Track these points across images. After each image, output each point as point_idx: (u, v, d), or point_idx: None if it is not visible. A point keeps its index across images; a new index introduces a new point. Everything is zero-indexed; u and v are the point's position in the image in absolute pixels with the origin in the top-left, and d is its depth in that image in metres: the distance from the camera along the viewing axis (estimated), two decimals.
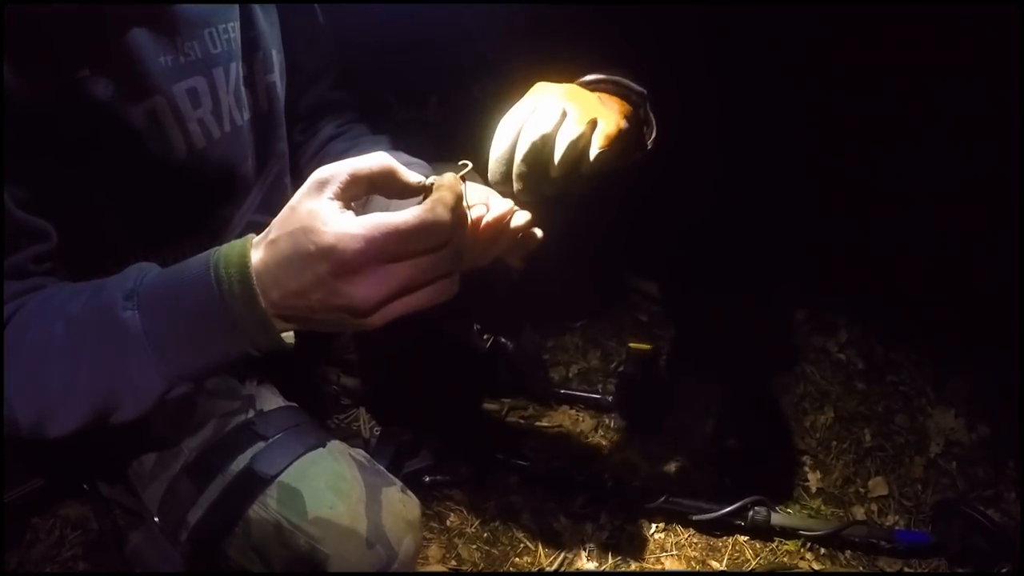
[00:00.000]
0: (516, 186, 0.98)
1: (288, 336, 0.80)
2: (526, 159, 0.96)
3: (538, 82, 1.04)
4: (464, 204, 0.77)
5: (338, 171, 0.75)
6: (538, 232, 1.03)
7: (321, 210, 0.72)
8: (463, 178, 0.79)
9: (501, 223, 0.94)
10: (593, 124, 0.97)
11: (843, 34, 2.12)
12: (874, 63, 2.14)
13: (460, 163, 0.83)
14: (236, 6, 1.06)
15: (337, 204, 0.73)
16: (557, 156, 0.95)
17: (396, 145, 1.30)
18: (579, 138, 0.95)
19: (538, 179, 0.98)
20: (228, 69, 1.06)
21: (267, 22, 1.14)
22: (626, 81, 1.12)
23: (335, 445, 1.18)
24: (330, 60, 1.34)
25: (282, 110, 1.22)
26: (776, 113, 2.32)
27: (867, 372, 2.20)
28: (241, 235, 0.79)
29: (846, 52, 2.15)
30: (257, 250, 0.75)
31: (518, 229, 0.97)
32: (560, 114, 0.95)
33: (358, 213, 0.74)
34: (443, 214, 0.72)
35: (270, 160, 1.21)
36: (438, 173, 0.79)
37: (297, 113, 1.31)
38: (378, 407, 1.91)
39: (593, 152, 0.96)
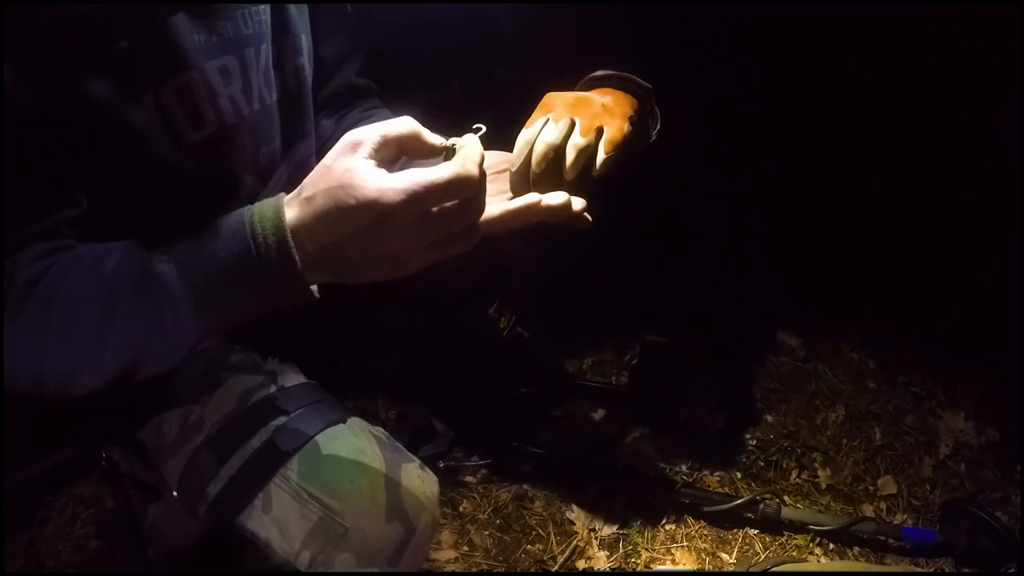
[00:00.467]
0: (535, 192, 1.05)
1: (315, 289, 0.84)
2: (539, 167, 1.04)
3: (549, 92, 1.14)
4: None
5: (370, 134, 0.80)
6: (588, 217, 1.08)
7: (358, 168, 0.77)
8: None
9: (555, 210, 1.00)
10: (599, 132, 1.06)
11: (842, 34, 2.13)
12: (876, 66, 2.15)
13: (474, 127, 0.89)
14: None
15: (372, 162, 0.78)
16: (568, 163, 1.04)
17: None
18: (586, 147, 1.04)
19: (553, 185, 1.05)
20: (259, 50, 1.08)
21: (296, 8, 1.16)
22: (633, 77, 1.19)
23: (355, 421, 1.18)
24: (356, 46, 1.36)
25: (310, 93, 1.24)
26: (787, 118, 2.33)
27: (878, 372, 2.20)
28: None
29: (847, 53, 2.16)
30: (291, 207, 0.80)
31: (573, 214, 1.03)
32: (568, 125, 1.05)
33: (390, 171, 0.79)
34: (473, 169, 0.78)
35: (297, 141, 1.22)
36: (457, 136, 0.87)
37: (324, 98, 1.33)
38: (396, 391, 1.92)
39: (600, 158, 1.06)
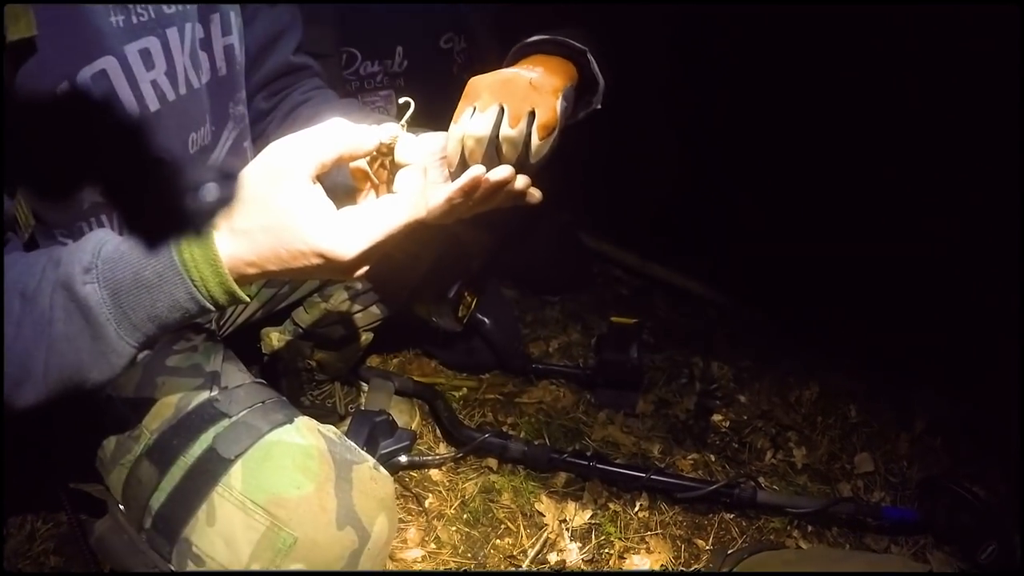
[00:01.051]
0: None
1: (247, 290, 0.84)
2: (473, 162, 0.99)
3: (471, 78, 1.05)
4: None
5: (304, 159, 0.80)
6: (537, 193, 1.06)
7: (304, 208, 0.79)
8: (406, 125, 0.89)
9: (501, 184, 0.99)
10: (531, 116, 0.99)
11: (842, 34, 2.10)
12: (875, 67, 2.13)
13: (402, 101, 0.90)
14: None
15: (316, 197, 0.80)
16: (503, 156, 0.99)
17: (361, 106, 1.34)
18: (518, 136, 0.98)
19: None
20: (183, 30, 1.03)
21: None
22: (568, 40, 1.12)
23: (302, 421, 1.13)
24: (291, 22, 1.30)
25: (242, 74, 1.19)
26: (764, 105, 2.31)
27: (852, 347, 2.18)
28: None
29: (846, 53, 2.14)
30: (224, 241, 0.80)
31: (519, 190, 1.03)
32: (497, 113, 0.98)
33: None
34: (423, 208, 0.84)
35: (228, 124, 1.16)
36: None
37: (259, 79, 1.28)
38: (355, 383, 1.87)
39: (534, 145, 1.00)
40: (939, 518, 1.66)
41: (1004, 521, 1.62)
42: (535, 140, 1.00)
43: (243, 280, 0.82)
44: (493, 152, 0.99)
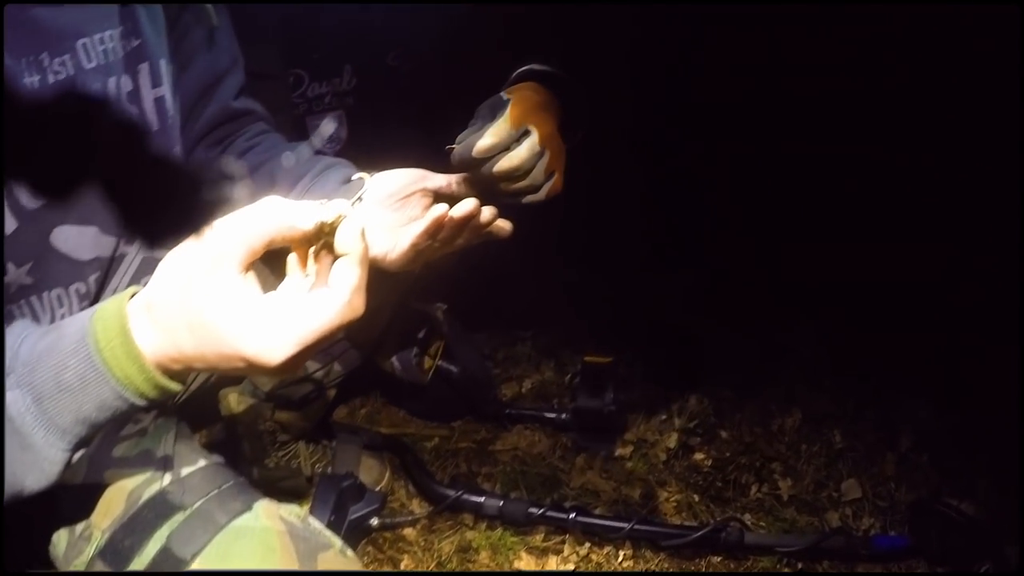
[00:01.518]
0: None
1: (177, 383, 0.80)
2: (499, 178, 1.10)
3: (522, 92, 1.16)
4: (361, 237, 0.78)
5: (232, 246, 0.74)
6: (506, 225, 1.08)
7: (227, 307, 0.73)
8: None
9: (467, 219, 0.98)
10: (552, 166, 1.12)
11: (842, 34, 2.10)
12: (875, 66, 2.12)
13: (355, 177, 0.92)
14: (115, 10, 0.96)
15: (242, 291, 0.74)
16: (526, 186, 1.12)
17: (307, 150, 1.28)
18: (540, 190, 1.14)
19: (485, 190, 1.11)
20: (106, 85, 0.97)
21: (153, 28, 1.04)
22: (565, 76, 1.23)
23: (262, 507, 1.08)
24: (231, 65, 1.24)
25: (176, 127, 1.13)
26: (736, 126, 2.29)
27: (833, 367, 2.17)
28: (137, 271, 0.86)
29: (844, 53, 2.13)
30: (142, 332, 0.76)
31: (485, 223, 1.02)
32: (537, 155, 1.10)
33: None
34: (359, 306, 0.76)
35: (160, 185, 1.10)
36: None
37: (198, 128, 1.22)
38: (319, 440, 1.82)
39: (543, 195, 1.14)
40: (931, 541, 1.65)
41: (996, 539, 1.61)
42: (545, 193, 1.10)
43: (171, 375, 0.78)
44: (514, 179, 1.10)
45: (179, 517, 1.02)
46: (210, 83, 1.21)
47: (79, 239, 0.95)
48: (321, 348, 0.78)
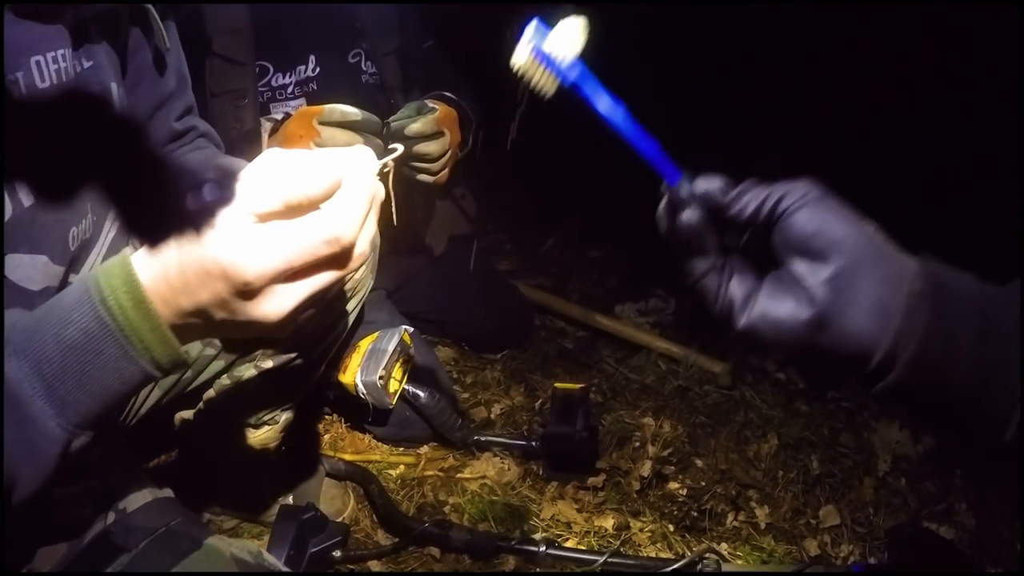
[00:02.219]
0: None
1: (189, 348, 0.79)
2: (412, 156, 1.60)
3: (443, 108, 1.66)
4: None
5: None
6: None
7: (221, 226, 0.68)
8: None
9: None
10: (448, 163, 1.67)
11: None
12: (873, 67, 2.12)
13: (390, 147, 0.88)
14: (65, 30, 0.91)
15: (243, 219, 0.70)
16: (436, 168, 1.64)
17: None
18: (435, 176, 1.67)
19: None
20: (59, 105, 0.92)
21: (103, 50, 0.99)
22: (464, 105, 1.75)
23: (213, 545, 1.04)
24: (177, 87, 1.21)
25: (130, 149, 1.08)
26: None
27: (808, 391, 2.15)
28: None
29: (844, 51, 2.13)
30: (143, 262, 0.72)
31: None
32: (444, 150, 1.63)
33: None
34: (348, 229, 0.71)
35: (111, 212, 1.05)
36: None
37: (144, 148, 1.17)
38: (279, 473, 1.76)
39: (433, 180, 1.68)
40: (911, 567, 1.62)
41: (976, 562, 1.65)
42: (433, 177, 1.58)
43: (172, 327, 0.73)
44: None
45: (124, 560, 0.97)
46: (156, 105, 1.17)
47: (29, 269, 0.90)
48: (314, 290, 0.72)
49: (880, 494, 1.89)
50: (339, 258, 0.72)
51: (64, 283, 0.97)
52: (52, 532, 0.99)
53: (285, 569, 1.09)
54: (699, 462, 1.93)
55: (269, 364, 1.46)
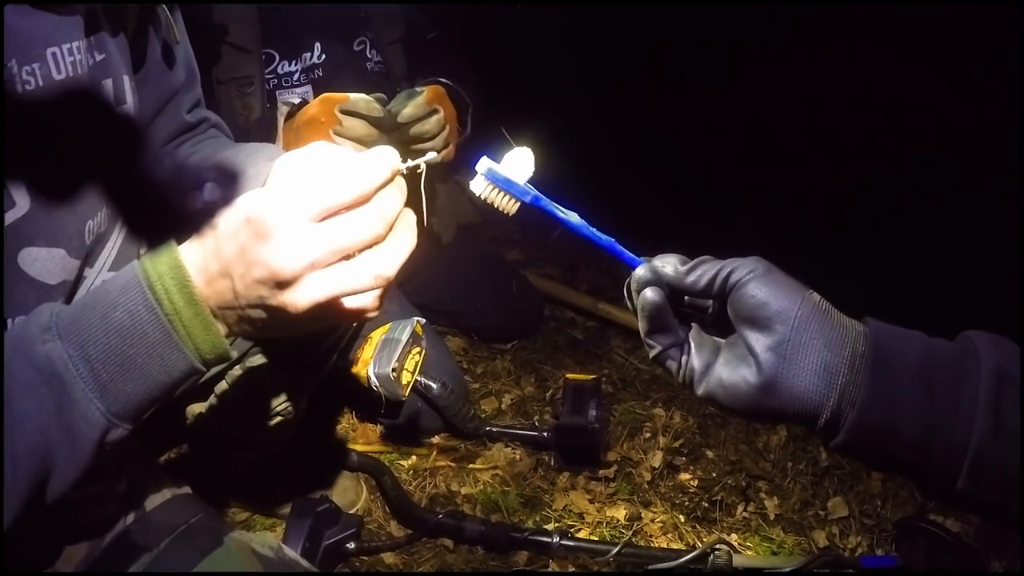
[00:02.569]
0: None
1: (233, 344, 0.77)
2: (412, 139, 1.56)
3: (432, 87, 1.61)
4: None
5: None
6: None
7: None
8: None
9: None
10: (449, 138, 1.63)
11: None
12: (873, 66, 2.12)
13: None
14: (79, 21, 0.91)
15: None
16: (433, 145, 1.59)
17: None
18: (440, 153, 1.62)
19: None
20: (74, 97, 0.92)
21: (115, 44, 0.99)
22: (461, 92, 1.76)
23: (234, 541, 1.05)
24: (187, 81, 1.21)
25: (144, 143, 1.09)
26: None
27: None
28: None
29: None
30: (187, 251, 0.75)
31: None
32: (441, 126, 1.59)
33: None
34: (367, 171, 0.73)
35: (127, 202, 1.06)
36: None
37: (158, 143, 1.19)
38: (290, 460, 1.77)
39: (441, 157, 1.63)
40: (918, 560, 1.62)
41: (983, 556, 1.62)
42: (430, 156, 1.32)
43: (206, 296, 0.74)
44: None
45: (146, 559, 0.98)
46: (166, 98, 1.17)
47: (47, 263, 0.91)
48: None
49: (887, 486, 1.89)
50: (356, 194, 0.73)
51: (80, 276, 0.98)
52: (73, 532, 1.00)
53: (305, 563, 1.10)
54: (709, 453, 1.94)
55: None
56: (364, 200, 0.73)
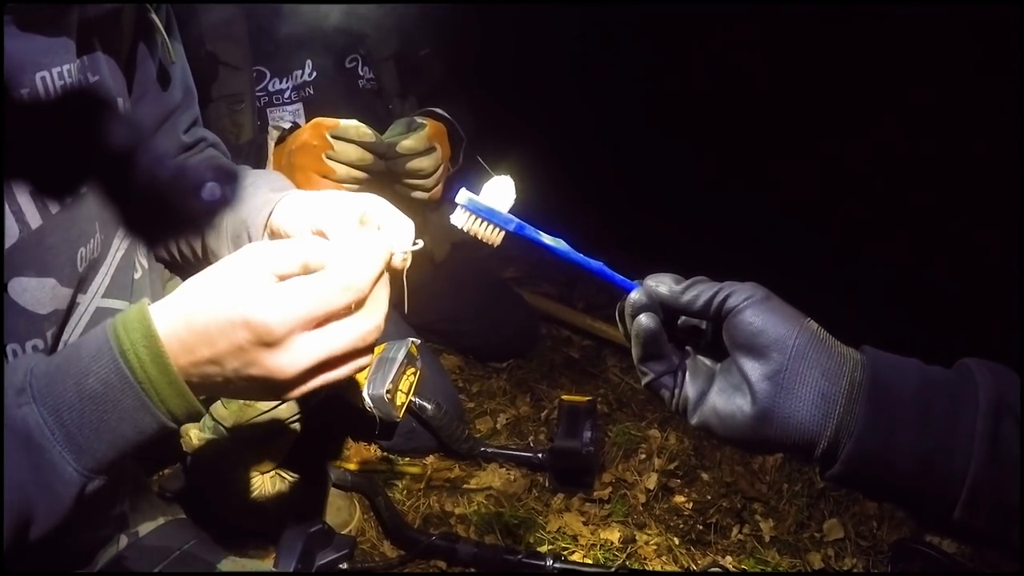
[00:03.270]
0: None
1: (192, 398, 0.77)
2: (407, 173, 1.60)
3: (432, 123, 1.66)
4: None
5: (268, 256, 0.75)
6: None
7: (243, 281, 0.74)
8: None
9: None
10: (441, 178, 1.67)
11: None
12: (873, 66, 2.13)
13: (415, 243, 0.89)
14: (72, 44, 0.91)
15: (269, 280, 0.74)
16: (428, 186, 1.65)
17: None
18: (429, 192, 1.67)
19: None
20: (64, 119, 0.92)
21: (108, 65, 1.00)
22: (453, 121, 1.77)
23: (227, 567, 1.05)
24: (184, 100, 1.21)
25: (135, 163, 1.08)
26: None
27: None
28: (92, 320, 0.82)
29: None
30: (161, 313, 0.74)
31: None
32: (437, 165, 1.63)
33: None
34: (361, 279, 0.75)
35: (119, 230, 1.05)
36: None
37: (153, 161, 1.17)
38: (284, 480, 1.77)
39: (428, 197, 1.67)
40: None
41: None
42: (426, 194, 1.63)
43: (181, 372, 0.74)
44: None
45: None
46: (162, 118, 1.17)
47: (37, 292, 0.90)
48: (331, 348, 0.74)
49: (883, 508, 1.89)
50: (356, 318, 0.75)
51: (72, 304, 0.97)
52: (66, 557, 1.00)
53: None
54: (705, 475, 1.94)
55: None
56: (361, 302, 0.76)
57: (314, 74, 1.89)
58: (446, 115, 1.76)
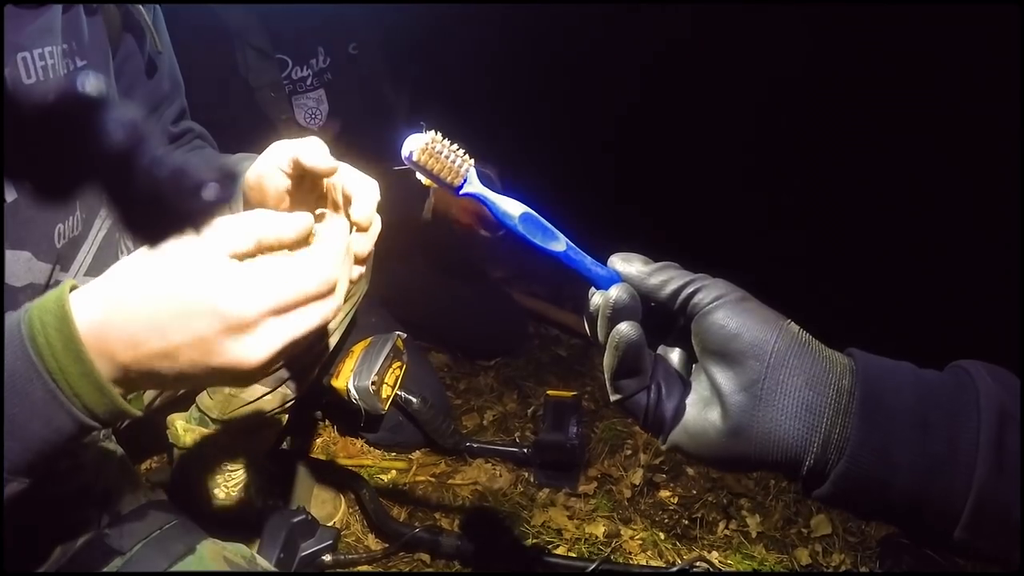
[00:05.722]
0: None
1: (137, 402, 0.75)
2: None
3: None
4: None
5: (220, 235, 0.71)
6: None
7: (200, 268, 0.69)
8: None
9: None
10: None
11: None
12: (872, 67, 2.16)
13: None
14: (57, 27, 0.93)
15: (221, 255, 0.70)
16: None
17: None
18: None
19: None
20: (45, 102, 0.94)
21: (97, 50, 1.02)
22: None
23: (206, 549, 1.06)
24: (171, 91, 1.23)
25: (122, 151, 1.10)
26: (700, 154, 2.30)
27: None
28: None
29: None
30: (90, 298, 0.69)
31: None
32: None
33: None
34: (335, 265, 0.74)
35: (100, 210, 1.07)
36: None
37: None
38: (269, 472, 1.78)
39: None
40: None
41: (965, 572, 1.64)
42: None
43: (120, 370, 0.69)
44: None
45: (117, 562, 1.00)
46: (150, 108, 1.19)
47: (12, 264, 0.92)
48: (303, 330, 0.71)
49: None
50: (326, 301, 0.73)
51: (51, 280, 1.00)
52: (48, 534, 1.01)
53: (277, 572, 1.11)
54: (690, 470, 1.96)
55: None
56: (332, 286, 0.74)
57: (328, 60, 1.97)
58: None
